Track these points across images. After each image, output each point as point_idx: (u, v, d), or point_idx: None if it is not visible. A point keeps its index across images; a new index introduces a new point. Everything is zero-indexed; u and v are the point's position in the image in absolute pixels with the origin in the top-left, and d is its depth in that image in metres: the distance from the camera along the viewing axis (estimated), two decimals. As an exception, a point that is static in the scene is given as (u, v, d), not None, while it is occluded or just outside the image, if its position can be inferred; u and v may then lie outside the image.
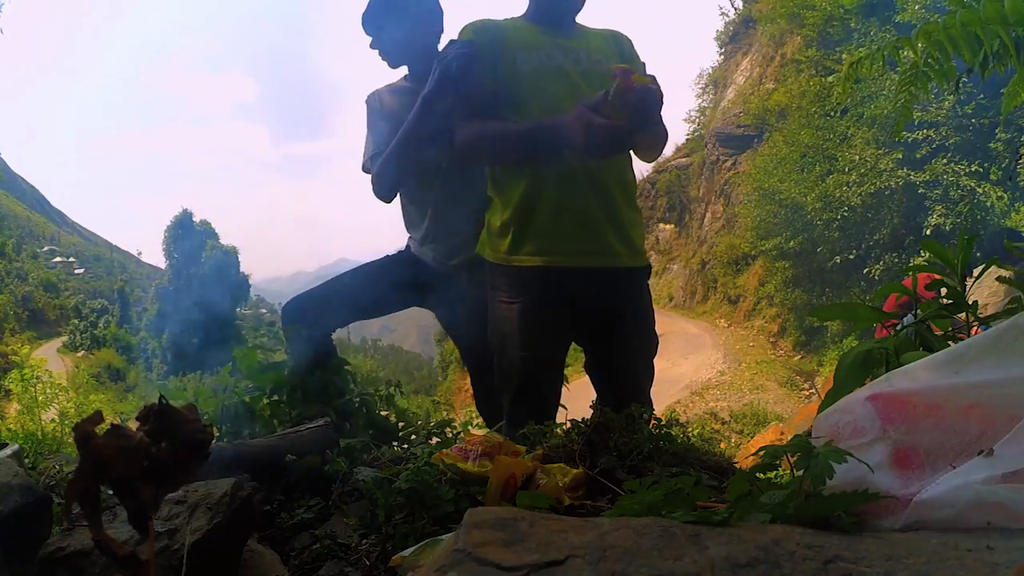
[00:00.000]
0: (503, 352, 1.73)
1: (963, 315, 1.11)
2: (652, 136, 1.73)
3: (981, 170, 9.95)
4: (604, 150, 1.48)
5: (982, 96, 9.55)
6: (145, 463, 0.52)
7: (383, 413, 1.89)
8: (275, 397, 1.82)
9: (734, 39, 21.71)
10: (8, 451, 1.91)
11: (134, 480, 0.51)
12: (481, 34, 1.70)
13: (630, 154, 1.79)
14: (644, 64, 1.81)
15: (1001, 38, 1.34)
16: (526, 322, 1.68)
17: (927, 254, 1.99)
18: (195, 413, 0.55)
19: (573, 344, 1.89)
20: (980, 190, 9.75)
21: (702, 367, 12.55)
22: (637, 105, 1.40)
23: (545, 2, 1.75)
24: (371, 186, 1.97)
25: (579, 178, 1.64)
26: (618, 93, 1.39)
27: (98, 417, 0.52)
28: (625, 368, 1.78)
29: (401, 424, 1.85)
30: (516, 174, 1.69)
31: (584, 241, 1.66)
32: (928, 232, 9.97)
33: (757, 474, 0.82)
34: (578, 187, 1.64)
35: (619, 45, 1.81)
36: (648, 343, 1.83)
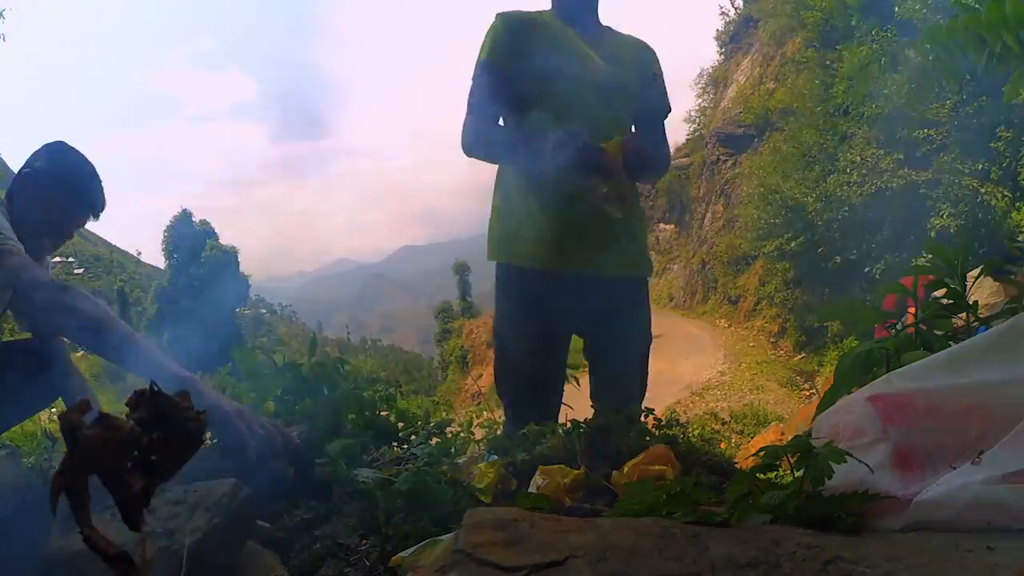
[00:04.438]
0: (502, 349, 1.80)
1: (963, 315, 1.11)
2: (653, 174, 1.90)
3: (983, 169, 9.93)
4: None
5: (984, 96, 9.53)
6: (135, 453, 0.49)
7: (383, 413, 1.88)
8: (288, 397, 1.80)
9: (734, 39, 21.70)
10: (6, 452, 1.91)
11: (124, 471, 0.49)
12: (507, 29, 1.69)
13: None
14: (662, 77, 1.84)
15: (1004, 40, 1.34)
16: (522, 323, 1.75)
17: (928, 255, 1.99)
18: (188, 400, 0.52)
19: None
20: (982, 190, 9.73)
21: (702, 367, 12.52)
22: (626, 171, 1.52)
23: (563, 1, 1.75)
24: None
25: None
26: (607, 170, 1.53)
27: (85, 405, 0.49)
28: (609, 377, 1.81)
29: (401, 424, 1.85)
30: (515, 181, 1.74)
31: (574, 250, 1.69)
32: (933, 234, 9.93)
33: (757, 474, 0.82)
34: (571, 197, 1.66)
35: (640, 56, 1.81)
36: (632, 350, 1.82)
